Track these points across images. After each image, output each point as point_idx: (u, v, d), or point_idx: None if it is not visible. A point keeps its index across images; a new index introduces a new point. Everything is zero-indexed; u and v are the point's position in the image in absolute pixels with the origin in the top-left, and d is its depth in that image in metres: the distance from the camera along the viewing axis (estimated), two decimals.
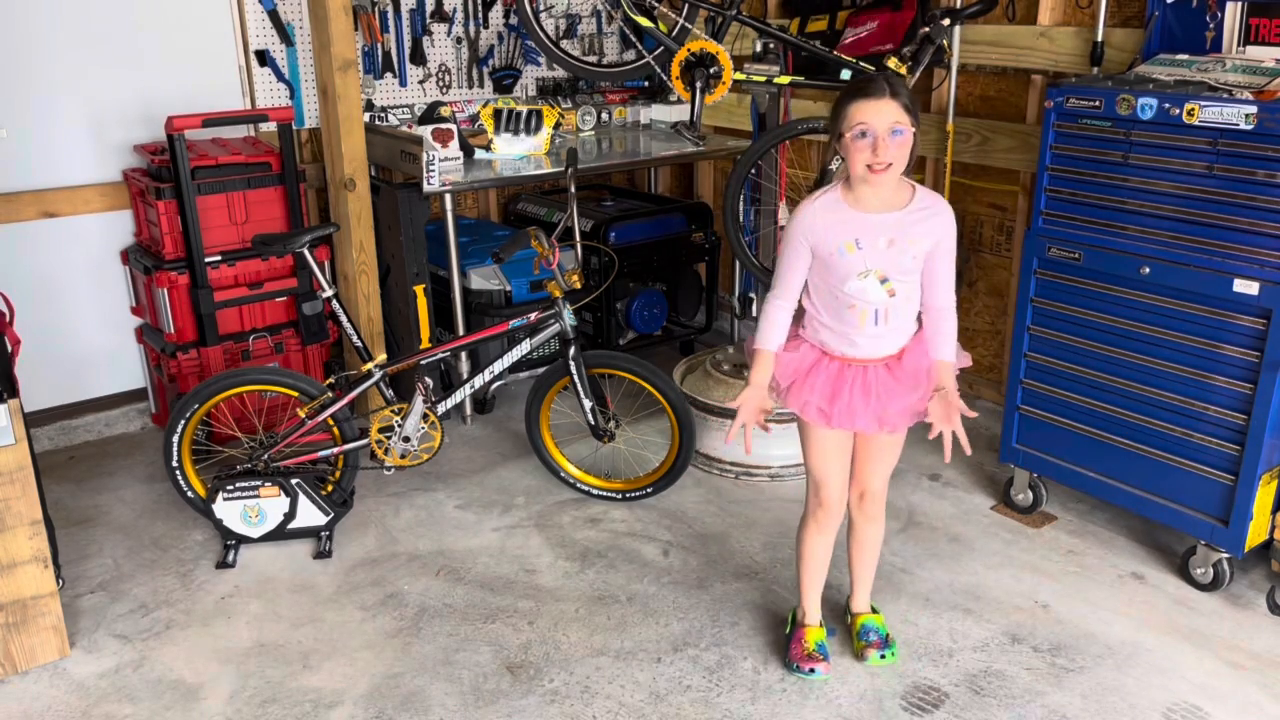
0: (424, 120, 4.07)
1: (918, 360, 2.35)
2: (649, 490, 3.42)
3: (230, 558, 3.12)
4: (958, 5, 3.52)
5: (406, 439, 3.27)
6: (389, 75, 4.39)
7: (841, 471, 2.49)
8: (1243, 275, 2.64)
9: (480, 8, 4.52)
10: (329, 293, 3.21)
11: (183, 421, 3.11)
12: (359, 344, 3.27)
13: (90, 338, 3.99)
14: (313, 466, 3.22)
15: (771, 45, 3.48)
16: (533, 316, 3.25)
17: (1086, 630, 2.75)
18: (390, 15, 4.32)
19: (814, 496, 2.52)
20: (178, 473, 3.17)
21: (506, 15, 4.61)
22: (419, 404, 3.24)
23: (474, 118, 4.41)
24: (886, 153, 2.14)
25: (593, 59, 4.81)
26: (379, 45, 4.31)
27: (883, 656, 2.60)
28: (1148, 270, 2.83)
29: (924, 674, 2.59)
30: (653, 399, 3.34)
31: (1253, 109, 2.54)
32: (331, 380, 3.21)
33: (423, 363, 3.31)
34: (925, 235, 2.25)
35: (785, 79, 3.44)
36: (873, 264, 2.23)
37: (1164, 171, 2.76)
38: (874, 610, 2.71)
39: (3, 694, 2.57)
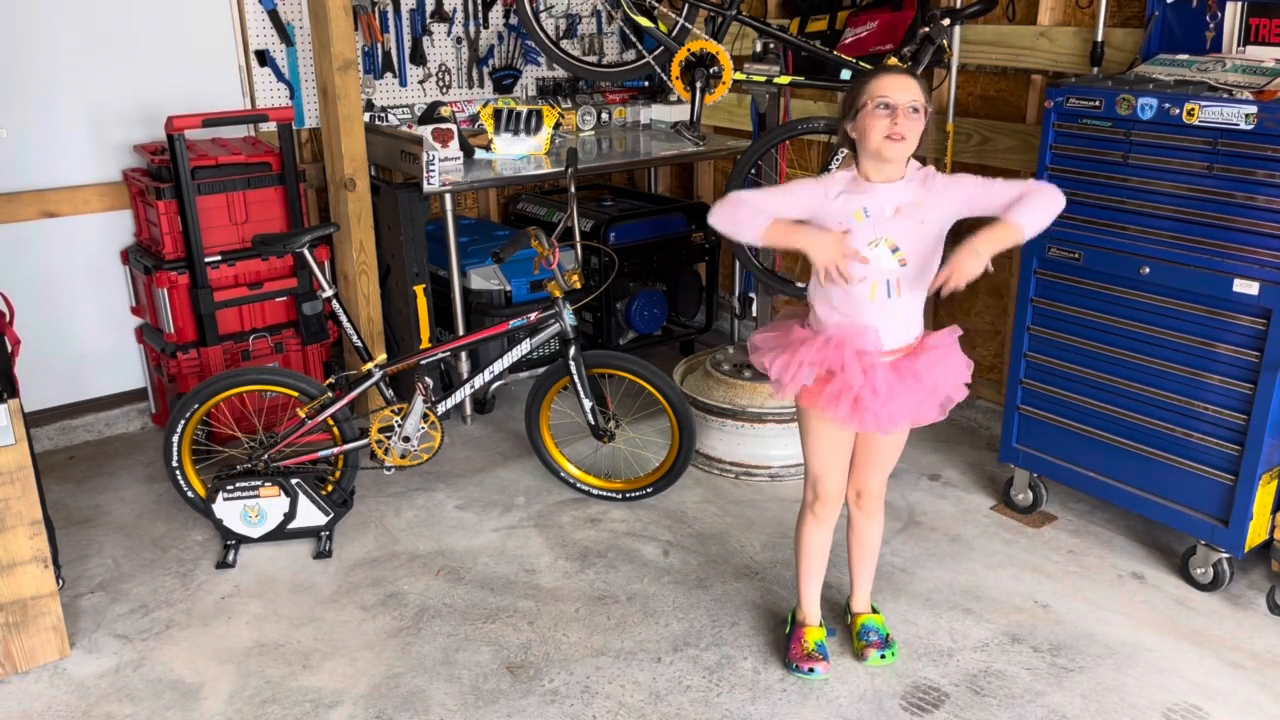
0: (424, 120, 4.07)
1: (925, 363, 2.34)
2: (649, 490, 3.42)
3: (230, 558, 3.12)
4: (958, 5, 3.52)
5: (406, 439, 3.27)
6: (389, 75, 4.39)
7: (840, 467, 2.49)
8: (1242, 275, 2.64)
9: (480, 8, 4.52)
10: (329, 293, 3.22)
11: (183, 421, 3.12)
12: (359, 344, 3.27)
13: (90, 338, 3.99)
14: (313, 466, 3.22)
15: (771, 45, 3.48)
16: (533, 316, 3.25)
17: (1086, 630, 2.75)
18: (390, 15, 4.32)
19: (811, 490, 2.52)
20: (178, 473, 3.17)
21: (506, 15, 4.61)
22: (419, 404, 3.24)
23: (474, 118, 4.41)
24: (904, 125, 2.18)
25: (593, 59, 4.81)
26: (379, 45, 4.31)
27: (883, 656, 2.60)
28: (1148, 270, 2.83)
29: (924, 674, 2.59)
30: (653, 399, 3.34)
31: (1253, 109, 2.54)
32: (331, 380, 3.21)
33: (423, 363, 3.31)
34: (930, 203, 2.25)
35: (785, 79, 3.44)
36: (882, 231, 2.25)
37: (1164, 171, 2.76)
38: (874, 610, 2.71)
39: (3, 694, 2.57)
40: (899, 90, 2.18)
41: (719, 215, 2.26)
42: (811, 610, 2.64)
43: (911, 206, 2.26)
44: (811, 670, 2.56)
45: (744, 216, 2.24)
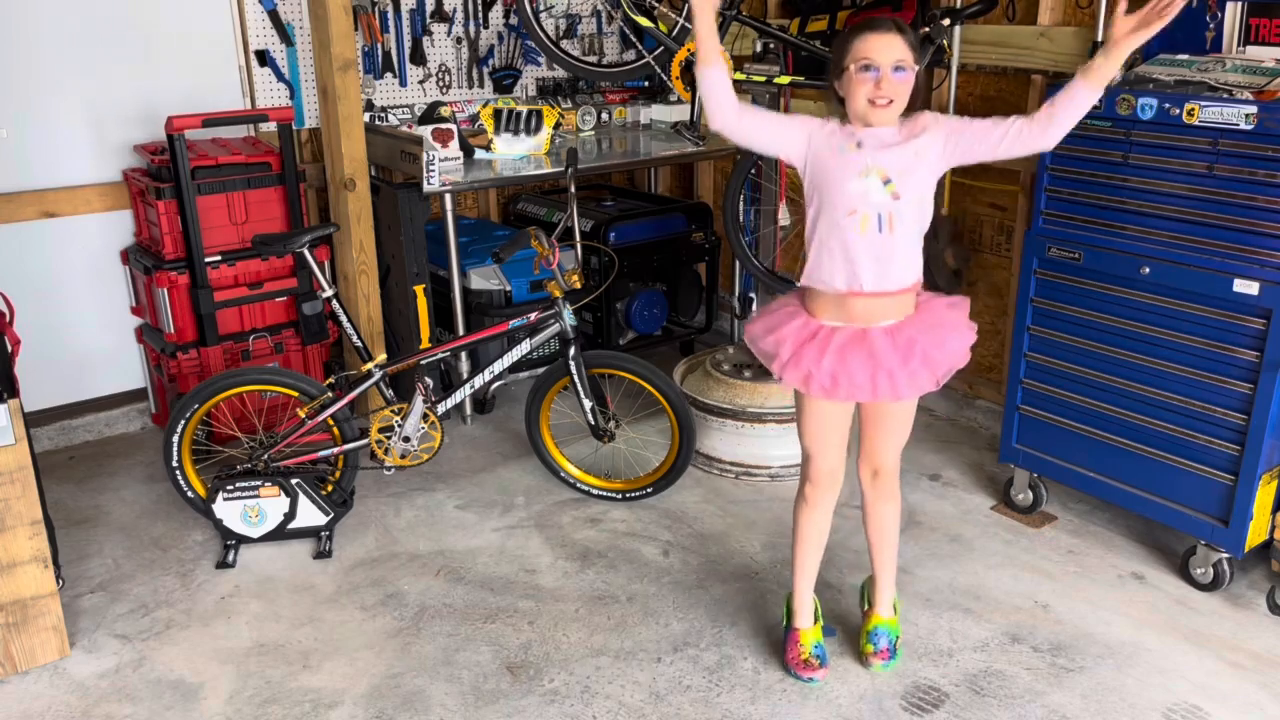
0: (424, 120, 4.06)
1: (917, 329, 2.29)
2: (649, 490, 3.42)
3: (230, 558, 3.12)
4: (958, 5, 3.52)
5: (406, 439, 3.27)
6: (389, 75, 4.39)
7: (837, 445, 2.44)
8: (1243, 275, 2.64)
9: (480, 8, 4.52)
10: (329, 293, 3.21)
11: (183, 421, 3.12)
12: (359, 344, 3.27)
13: (90, 338, 3.99)
14: (313, 466, 3.22)
15: (771, 45, 3.49)
16: (533, 316, 3.25)
17: (1086, 630, 2.75)
18: (390, 15, 4.32)
19: (804, 471, 2.49)
20: (178, 473, 3.17)
21: (506, 15, 4.60)
22: (419, 404, 3.24)
23: (474, 118, 4.41)
24: (890, 88, 2.12)
25: (593, 59, 4.81)
26: (379, 45, 4.31)
27: (885, 665, 2.59)
28: (1148, 270, 2.83)
29: (924, 674, 2.59)
30: (653, 399, 3.34)
31: (1253, 109, 2.54)
32: (331, 380, 3.21)
33: (423, 363, 3.31)
34: (923, 139, 2.21)
35: (785, 79, 3.44)
36: (873, 162, 2.19)
37: (1164, 171, 2.76)
38: (894, 611, 2.65)
39: (3, 694, 2.57)
40: (882, 50, 2.10)
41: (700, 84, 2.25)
42: (804, 609, 2.60)
43: (906, 140, 2.21)
44: (811, 679, 2.54)
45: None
